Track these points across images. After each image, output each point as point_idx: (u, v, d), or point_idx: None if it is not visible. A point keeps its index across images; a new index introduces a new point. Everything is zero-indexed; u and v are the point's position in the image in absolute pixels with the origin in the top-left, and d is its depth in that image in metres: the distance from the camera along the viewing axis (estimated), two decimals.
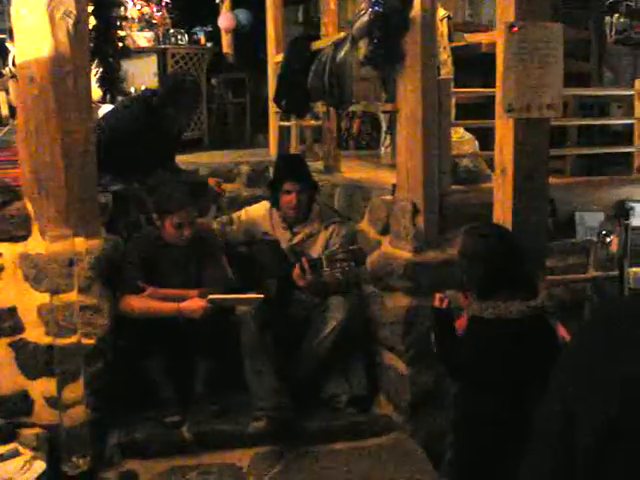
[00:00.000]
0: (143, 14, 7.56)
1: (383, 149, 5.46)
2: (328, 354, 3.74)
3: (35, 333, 3.41)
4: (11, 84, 6.20)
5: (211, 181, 4.70)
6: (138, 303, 3.54)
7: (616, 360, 0.96)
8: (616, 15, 6.17)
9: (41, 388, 3.43)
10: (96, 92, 5.58)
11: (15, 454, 3.17)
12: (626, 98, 4.98)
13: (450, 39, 5.00)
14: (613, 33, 6.06)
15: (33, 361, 3.42)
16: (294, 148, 5.70)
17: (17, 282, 3.41)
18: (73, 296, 3.36)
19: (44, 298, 3.38)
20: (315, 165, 4.99)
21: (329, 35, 4.78)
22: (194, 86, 4.73)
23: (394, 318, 3.60)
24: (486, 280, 2.74)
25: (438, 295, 2.94)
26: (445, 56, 4.75)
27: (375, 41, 3.52)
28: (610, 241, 3.46)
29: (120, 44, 6.16)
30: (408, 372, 3.57)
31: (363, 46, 3.66)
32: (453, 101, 4.18)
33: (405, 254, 3.59)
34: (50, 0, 3.28)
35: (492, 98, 3.24)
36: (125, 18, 7.14)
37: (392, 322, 3.62)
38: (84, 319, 3.37)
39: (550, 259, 3.51)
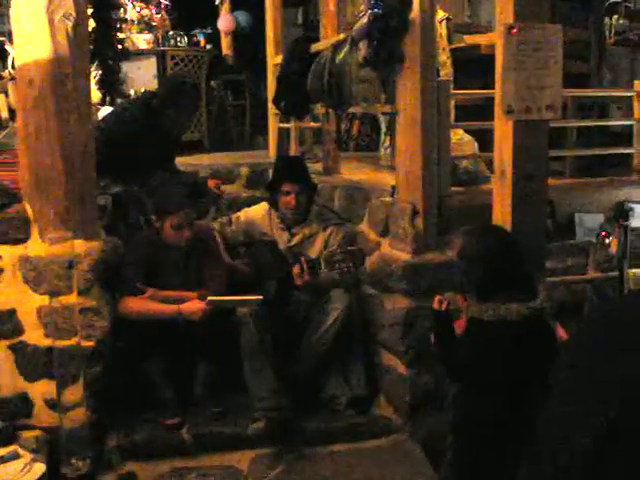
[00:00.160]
0: (142, 16, 7.56)
1: (382, 150, 5.46)
2: (330, 348, 3.74)
3: (35, 335, 3.41)
4: (10, 86, 6.19)
5: (210, 183, 4.70)
6: (137, 305, 3.54)
7: (616, 361, 0.96)
8: (615, 16, 6.17)
9: (41, 390, 3.43)
10: (95, 94, 5.58)
11: (15, 456, 3.17)
12: (625, 99, 4.99)
13: (449, 41, 5.00)
14: (612, 34, 6.06)
15: (33, 363, 3.42)
16: (293, 150, 5.70)
17: (17, 284, 3.41)
18: (72, 298, 3.36)
19: (43, 300, 3.38)
20: (314, 166, 4.99)
21: (328, 37, 4.78)
22: (193, 88, 4.73)
23: (393, 319, 3.61)
24: (485, 281, 2.74)
25: (437, 297, 2.94)
26: (444, 57, 4.75)
27: (374, 43, 3.52)
28: (609, 242, 3.46)
29: (119, 46, 6.15)
30: (408, 373, 3.57)
31: (362, 48, 3.66)
32: (452, 102, 4.18)
33: (404, 256, 3.60)
34: (49, 3, 3.29)
35: (491, 99, 3.24)
36: (124, 20, 7.14)
37: (391, 323, 3.62)
38: (84, 321, 3.37)
39: (549, 260, 3.51)
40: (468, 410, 2.80)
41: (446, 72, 4.70)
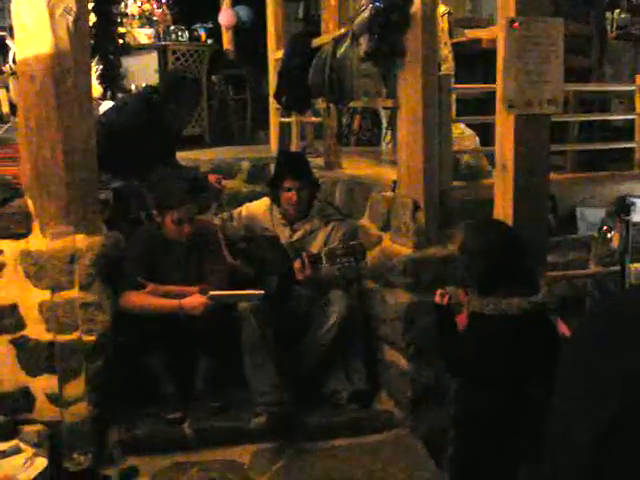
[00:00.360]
0: (143, 11, 7.56)
1: (384, 145, 5.46)
2: (330, 348, 3.75)
3: (36, 330, 3.41)
4: (12, 81, 6.20)
5: (212, 177, 4.70)
6: (139, 300, 3.54)
7: (617, 356, 0.96)
8: (617, 10, 6.15)
9: (42, 385, 3.44)
10: (97, 89, 5.59)
11: (17, 451, 3.17)
12: (627, 93, 4.98)
13: (451, 35, 4.98)
14: (614, 28, 6.05)
15: (34, 358, 3.43)
16: (295, 144, 5.69)
17: (18, 279, 3.41)
18: (74, 293, 3.36)
19: (45, 295, 3.38)
20: (316, 161, 4.98)
21: (329, 31, 4.76)
22: (194, 83, 4.73)
23: (395, 314, 3.60)
24: (487, 276, 2.74)
25: (439, 291, 2.94)
26: (446, 52, 4.74)
27: (375, 37, 3.51)
28: (611, 237, 3.45)
29: (120, 41, 6.17)
30: (409, 368, 3.57)
31: (363, 42, 3.65)
32: (454, 97, 4.17)
33: (406, 250, 3.59)
34: None
35: (493, 94, 3.24)
36: (125, 15, 7.15)
37: (393, 318, 3.62)
38: (85, 316, 3.38)
39: (551, 255, 3.51)
40: (470, 405, 2.80)
41: (447, 66, 4.69)
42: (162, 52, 7.15)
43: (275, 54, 5.89)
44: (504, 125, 3.17)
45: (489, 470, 2.73)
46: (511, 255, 2.76)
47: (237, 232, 4.16)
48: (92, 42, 4.80)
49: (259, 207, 4.19)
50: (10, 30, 5.09)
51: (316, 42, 4.75)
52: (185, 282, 3.65)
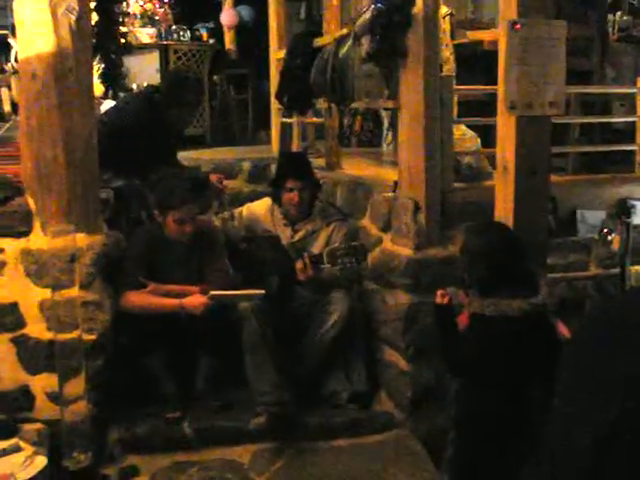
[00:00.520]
0: (145, 10, 7.56)
1: (385, 146, 5.46)
2: (330, 347, 3.75)
3: (36, 328, 3.41)
4: (13, 80, 6.21)
5: (213, 177, 4.69)
6: (139, 299, 3.54)
7: (618, 359, 0.96)
8: (618, 13, 6.16)
9: (42, 383, 3.43)
10: (98, 88, 5.58)
11: (16, 449, 3.17)
12: (628, 96, 4.98)
13: (452, 36, 4.98)
14: (616, 31, 6.05)
15: (34, 356, 3.43)
16: (296, 145, 5.69)
17: (19, 278, 3.41)
18: (74, 292, 3.36)
19: (45, 294, 3.38)
20: (317, 162, 4.99)
21: (331, 32, 4.76)
22: (196, 83, 4.73)
23: (395, 315, 3.61)
24: (487, 277, 2.75)
25: (439, 291, 2.94)
26: (447, 53, 4.74)
27: (377, 38, 3.52)
28: (611, 239, 3.45)
29: (122, 40, 6.16)
30: (409, 369, 3.57)
31: (365, 43, 3.65)
32: (455, 98, 4.17)
33: (406, 251, 3.60)
34: None
35: (494, 95, 3.24)
36: (127, 14, 7.14)
37: (393, 319, 3.62)
38: (85, 315, 3.38)
39: (551, 256, 3.51)
40: (470, 406, 2.80)
41: (449, 68, 4.69)
42: (164, 52, 7.16)
43: (277, 54, 5.89)
44: (505, 127, 3.17)
45: (489, 472, 2.73)
46: (512, 257, 2.76)
47: (238, 232, 4.16)
48: (94, 41, 4.79)
49: (260, 207, 4.19)
50: (12, 29, 5.10)
51: (318, 42, 4.75)
52: (186, 282, 3.65)
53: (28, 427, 3.35)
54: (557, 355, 1.13)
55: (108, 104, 5.34)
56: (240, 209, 4.25)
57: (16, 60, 4.70)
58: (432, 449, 3.42)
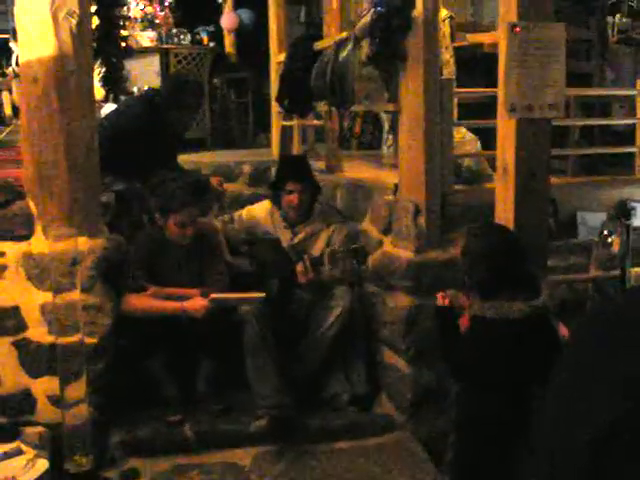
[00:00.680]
0: (146, 14, 7.56)
1: (385, 149, 5.46)
2: (331, 346, 3.75)
3: (38, 332, 3.42)
4: (15, 84, 6.22)
5: (213, 180, 4.70)
6: (141, 302, 3.54)
7: (618, 359, 0.96)
8: (618, 15, 6.17)
9: (44, 387, 3.44)
10: (99, 92, 5.60)
11: (18, 452, 3.18)
12: (628, 98, 4.98)
13: (452, 39, 4.99)
14: (615, 33, 6.06)
15: (36, 360, 3.43)
16: (296, 148, 5.69)
17: (20, 281, 3.42)
18: (76, 295, 3.36)
19: (47, 297, 3.38)
20: (317, 165, 4.99)
21: (331, 35, 4.77)
22: (196, 86, 4.74)
23: (395, 317, 3.61)
24: (488, 280, 2.75)
25: (440, 293, 2.94)
26: (447, 56, 4.75)
27: (377, 41, 3.52)
28: (612, 241, 3.46)
29: (123, 44, 6.18)
30: (409, 371, 3.57)
31: (365, 46, 3.66)
32: (455, 101, 4.18)
33: (407, 254, 3.60)
34: (53, 0, 3.29)
35: (494, 98, 3.24)
36: (128, 18, 7.15)
37: (393, 321, 3.63)
38: (87, 318, 3.38)
39: (551, 259, 3.51)
40: (472, 409, 2.80)
41: (449, 71, 4.70)
42: (164, 55, 7.16)
43: (277, 57, 5.89)
44: (505, 129, 3.18)
45: (490, 475, 2.73)
46: (512, 259, 2.77)
47: (238, 234, 4.16)
48: (95, 45, 4.81)
49: (260, 210, 4.20)
50: (13, 33, 5.11)
51: (318, 45, 4.75)
52: (187, 285, 3.66)
53: (29, 430, 3.35)
54: (558, 357, 1.13)
55: (109, 108, 5.35)
56: (240, 212, 4.26)
57: (17, 64, 4.71)
58: (432, 451, 3.43)
